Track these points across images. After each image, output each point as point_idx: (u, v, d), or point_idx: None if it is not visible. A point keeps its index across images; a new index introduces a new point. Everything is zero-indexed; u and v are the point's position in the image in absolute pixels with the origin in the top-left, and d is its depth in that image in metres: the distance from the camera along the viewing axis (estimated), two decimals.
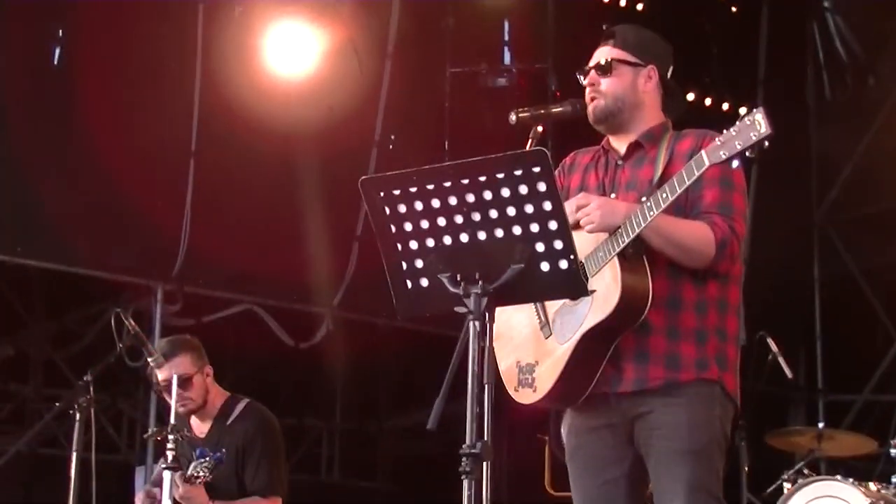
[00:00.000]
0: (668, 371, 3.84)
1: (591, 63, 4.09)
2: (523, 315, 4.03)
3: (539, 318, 3.99)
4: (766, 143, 3.51)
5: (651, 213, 3.68)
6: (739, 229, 3.82)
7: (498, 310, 4.09)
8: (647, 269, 3.78)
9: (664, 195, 3.66)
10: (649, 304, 3.77)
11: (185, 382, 5.43)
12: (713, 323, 3.89)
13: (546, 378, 3.93)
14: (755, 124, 3.50)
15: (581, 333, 3.82)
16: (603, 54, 4.08)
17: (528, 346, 4.02)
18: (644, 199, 3.77)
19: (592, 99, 4.06)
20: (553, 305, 3.96)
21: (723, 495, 3.90)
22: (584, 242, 3.79)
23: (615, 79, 4.04)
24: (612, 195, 4.00)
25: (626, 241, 3.72)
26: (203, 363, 5.61)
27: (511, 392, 4.06)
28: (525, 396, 4.01)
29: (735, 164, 3.63)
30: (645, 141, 4.02)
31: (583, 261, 3.81)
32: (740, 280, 4.00)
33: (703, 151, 3.61)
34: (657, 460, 3.86)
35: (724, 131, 3.60)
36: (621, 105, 4.04)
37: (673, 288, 3.85)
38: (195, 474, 5.30)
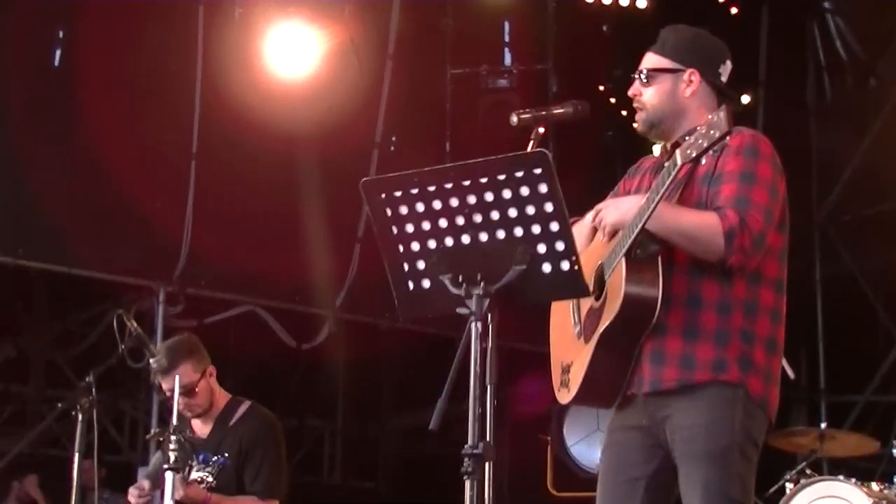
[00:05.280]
0: (682, 372, 3.78)
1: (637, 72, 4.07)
2: (569, 317, 4.06)
3: (573, 318, 4.02)
4: (727, 141, 3.49)
5: (645, 213, 3.64)
6: (753, 223, 3.69)
7: (555, 312, 4.16)
8: (660, 268, 3.72)
9: (653, 196, 3.64)
10: (659, 304, 3.72)
11: (189, 392, 5.40)
12: (737, 324, 3.81)
13: (576, 378, 3.93)
14: (718, 122, 3.47)
15: (598, 334, 3.82)
16: (644, 62, 4.06)
17: (568, 347, 4.05)
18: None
19: (637, 111, 4.05)
20: (585, 307, 3.97)
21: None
22: (605, 247, 3.84)
23: (654, 89, 4.00)
24: None
25: (629, 242, 3.70)
26: (204, 365, 5.55)
27: (556, 393, 4.10)
28: (563, 396, 4.03)
29: (756, 160, 3.63)
30: (684, 141, 3.99)
31: (603, 262, 3.85)
32: (776, 282, 3.89)
33: (676, 151, 3.59)
34: (679, 463, 3.82)
35: (696, 129, 3.58)
36: (661, 115, 4.00)
37: (692, 287, 3.79)
38: (199, 479, 5.30)
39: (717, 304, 3.80)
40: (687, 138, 3.59)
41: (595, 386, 3.89)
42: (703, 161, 3.80)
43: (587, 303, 3.94)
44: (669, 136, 4.01)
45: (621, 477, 3.95)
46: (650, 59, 4.05)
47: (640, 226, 3.66)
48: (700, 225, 3.73)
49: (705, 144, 3.49)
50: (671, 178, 3.60)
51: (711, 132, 3.47)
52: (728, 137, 3.63)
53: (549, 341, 4.24)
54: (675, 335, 3.78)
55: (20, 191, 8.34)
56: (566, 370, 4.02)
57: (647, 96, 4.01)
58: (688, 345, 3.78)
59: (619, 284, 3.73)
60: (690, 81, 4.00)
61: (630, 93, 4.05)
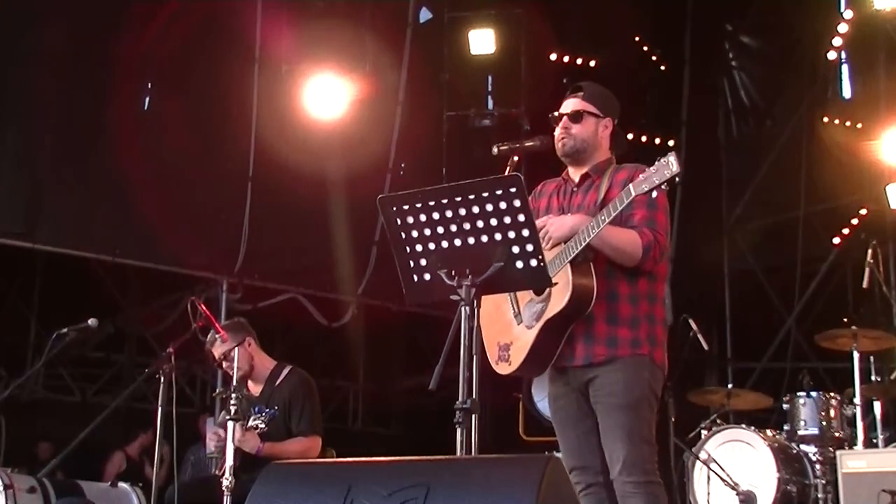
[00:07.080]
0: (609, 349, 3.86)
1: (564, 110, 4.07)
2: (504, 306, 4.06)
3: (513, 308, 4.02)
4: (678, 179, 3.57)
5: (594, 230, 3.71)
6: (661, 240, 3.85)
7: (486, 302, 4.14)
8: (593, 272, 3.80)
9: (603, 217, 3.70)
10: (594, 298, 3.78)
11: (227, 356, 5.39)
12: (644, 311, 3.90)
13: (518, 355, 3.95)
14: (669, 164, 3.55)
15: (543, 322, 3.84)
16: (574, 105, 4.07)
17: (506, 330, 4.03)
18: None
19: (563, 139, 4.06)
20: (524, 299, 3.97)
21: (653, 439, 3.90)
22: (548, 253, 3.82)
23: (583, 126, 4.04)
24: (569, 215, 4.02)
25: (576, 251, 3.75)
26: (242, 336, 5.46)
27: (493, 365, 4.08)
28: (503, 368, 4.03)
29: (654, 193, 3.63)
30: (593, 173, 4.05)
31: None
32: (667, 278, 4.04)
33: (630, 185, 3.64)
34: (602, 412, 3.89)
35: (647, 169, 3.63)
36: (585, 146, 4.04)
37: (610, 285, 3.86)
38: (255, 425, 5.28)
39: (628, 296, 3.89)
40: (642, 176, 3.62)
41: (533, 361, 3.93)
42: (620, 173, 3.94)
43: (525, 297, 3.95)
44: (583, 163, 4.07)
45: (577, 431, 3.97)
46: (580, 103, 4.06)
47: (587, 240, 3.72)
48: (627, 241, 3.82)
49: (657, 181, 3.56)
50: (623, 206, 3.65)
51: (665, 172, 3.55)
52: (613, 165, 3.96)
53: (481, 325, 4.21)
54: (600, 321, 3.85)
55: (118, 203, 8.34)
56: (504, 348, 4.00)
57: (575, 130, 4.04)
58: (611, 328, 3.86)
59: (566, 282, 3.75)
60: (607, 127, 4.08)
61: (563, 126, 4.06)
